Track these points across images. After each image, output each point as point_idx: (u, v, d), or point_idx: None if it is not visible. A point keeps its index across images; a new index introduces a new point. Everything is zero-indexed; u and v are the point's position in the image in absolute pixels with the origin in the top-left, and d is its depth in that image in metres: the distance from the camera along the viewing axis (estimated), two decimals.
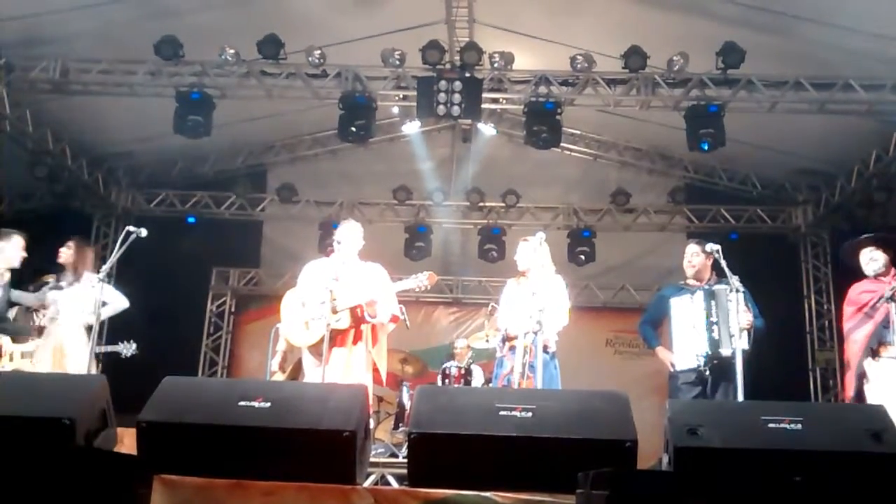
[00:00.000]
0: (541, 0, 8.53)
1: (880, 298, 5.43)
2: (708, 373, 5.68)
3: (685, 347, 5.83)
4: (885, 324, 5.47)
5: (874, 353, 5.51)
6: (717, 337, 5.67)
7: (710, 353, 5.66)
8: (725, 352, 5.53)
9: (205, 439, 3.50)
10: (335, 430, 3.47)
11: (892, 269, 5.65)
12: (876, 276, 5.66)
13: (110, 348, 6.96)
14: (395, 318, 5.85)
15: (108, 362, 7.36)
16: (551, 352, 5.85)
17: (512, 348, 5.82)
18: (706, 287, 5.90)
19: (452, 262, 11.91)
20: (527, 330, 5.53)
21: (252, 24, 8.15)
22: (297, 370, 6.80)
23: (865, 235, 5.93)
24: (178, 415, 3.61)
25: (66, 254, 6.72)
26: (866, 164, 9.55)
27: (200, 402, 3.72)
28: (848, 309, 5.81)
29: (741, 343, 5.42)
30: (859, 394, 5.57)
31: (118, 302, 6.76)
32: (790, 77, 8.24)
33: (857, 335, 5.68)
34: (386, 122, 10.93)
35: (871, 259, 5.69)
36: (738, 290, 5.51)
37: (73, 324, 6.52)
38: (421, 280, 5.72)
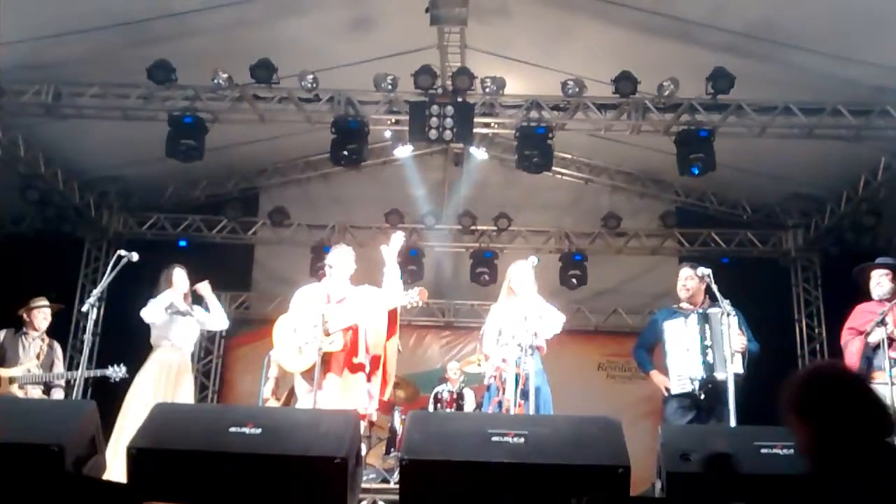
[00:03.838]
0: (532, 26, 8.60)
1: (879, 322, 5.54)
2: (703, 397, 5.68)
3: (679, 371, 5.83)
4: (876, 346, 5.58)
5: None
6: (711, 361, 5.67)
7: (704, 376, 5.66)
8: (720, 375, 5.53)
9: (195, 466, 3.48)
10: (326, 457, 3.45)
11: None
12: (880, 300, 5.80)
13: (99, 372, 6.89)
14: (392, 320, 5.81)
15: (97, 387, 7.30)
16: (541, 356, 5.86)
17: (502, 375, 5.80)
18: (700, 311, 5.91)
19: (444, 286, 11.88)
20: (518, 356, 5.53)
21: (245, 48, 8.18)
22: (290, 397, 6.76)
23: (880, 259, 6.06)
24: (169, 441, 3.59)
25: (183, 277, 6.76)
26: (855, 189, 9.61)
27: (191, 428, 3.70)
28: (846, 327, 5.94)
29: (735, 367, 5.44)
30: None
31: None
32: (779, 102, 8.31)
33: (851, 348, 5.79)
34: (378, 146, 10.98)
35: (878, 284, 5.86)
36: (730, 314, 5.55)
37: (184, 352, 6.70)
38: (412, 296, 5.70)
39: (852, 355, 5.74)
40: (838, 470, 2.34)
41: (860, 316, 5.83)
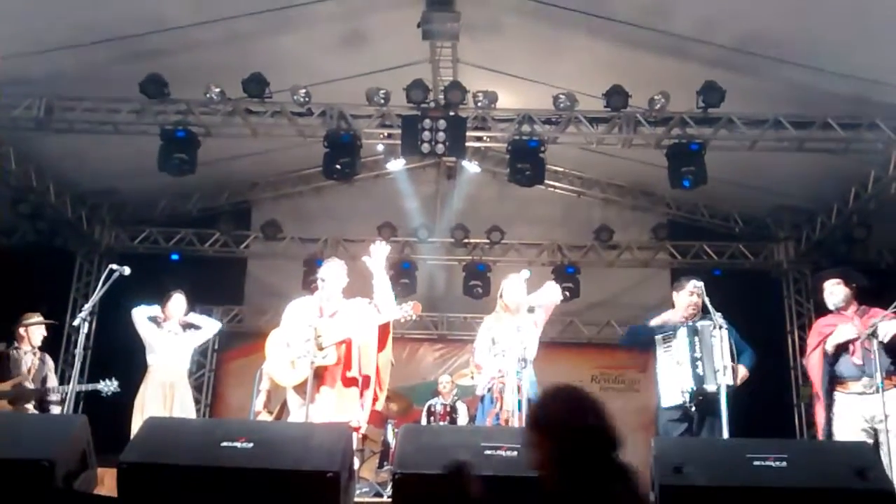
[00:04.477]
0: (524, 41, 8.65)
1: (841, 346, 5.52)
2: (693, 409, 5.67)
3: (670, 384, 5.83)
4: (834, 359, 5.60)
5: (834, 388, 5.60)
6: (701, 373, 5.66)
7: (694, 388, 5.65)
8: (710, 388, 5.52)
9: (187, 481, 3.46)
10: (319, 471, 3.45)
11: (854, 303, 5.74)
12: (837, 310, 5.77)
13: (91, 386, 6.88)
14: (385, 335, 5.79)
15: (88, 401, 7.28)
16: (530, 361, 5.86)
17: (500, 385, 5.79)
18: (689, 324, 5.91)
19: (437, 299, 11.88)
20: (517, 368, 5.52)
21: (237, 63, 8.20)
22: (283, 410, 6.76)
23: (827, 269, 6.05)
24: (160, 456, 3.57)
25: (181, 303, 7.04)
26: (845, 202, 9.66)
27: (182, 442, 3.69)
28: (810, 342, 5.95)
29: (726, 379, 5.44)
30: (828, 426, 5.63)
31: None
32: (769, 116, 8.36)
33: (811, 361, 5.80)
34: (371, 160, 11.00)
35: (831, 293, 5.82)
36: (721, 327, 5.56)
37: (179, 369, 6.91)
38: (406, 310, 5.69)
39: (814, 368, 5.74)
40: (570, 485, 2.52)
41: (821, 329, 5.82)
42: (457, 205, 11.68)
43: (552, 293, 6.08)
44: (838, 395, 5.60)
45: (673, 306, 6.13)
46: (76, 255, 11.41)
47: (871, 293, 5.82)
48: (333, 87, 8.64)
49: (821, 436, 5.72)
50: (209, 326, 7.15)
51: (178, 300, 7.00)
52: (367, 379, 5.68)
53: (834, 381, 5.62)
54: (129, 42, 7.79)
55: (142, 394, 6.69)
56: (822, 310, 6.07)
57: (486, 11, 8.19)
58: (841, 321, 5.68)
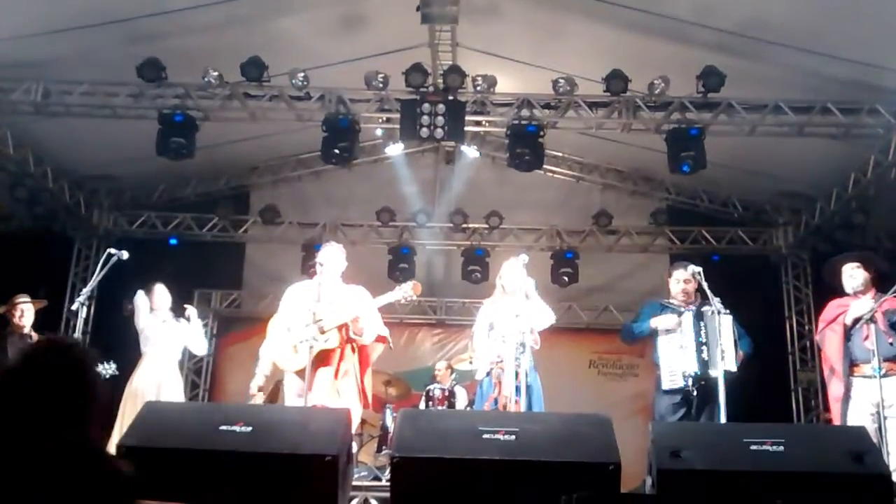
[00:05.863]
0: (523, 24, 8.60)
1: (858, 320, 5.52)
2: (695, 393, 5.69)
3: (672, 367, 5.83)
4: (848, 338, 5.59)
5: (851, 370, 5.59)
6: (706, 358, 5.68)
7: (699, 373, 5.67)
8: (714, 373, 5.54)
9: (185, 464, 3.47)
10: (317, 455, 3.46)
11: (873, 288, 5.73)
12: (854, 294, 5.75)
13: None
14: (381, 338, 5.83)
15: None
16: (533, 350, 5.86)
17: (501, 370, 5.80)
18: (693, 309, 5.91)
19: (436, 284, 11.89)
20: (514, 353, 5.53)
21: (235, 46, 8.16)
22: (276, 392, 6.81)
23: (847, 253, 6.04)
24: (158, 439, 3.58)
25: (164, 293, 7.25)
26: (845, 187, 9.64)
27: (181, 426, 3.70)
28: (820, 325, 5.93)
29: (727, 364, 5.45)
30: (841, 410, 5.62)
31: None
32: (769, 100, 8.33)
33: (830, 342, 5.77)
34: (369, 144, 10.96)
35: (851, 276, 5.81)
36: (721, 312, 5.56)
37: (171, 358, 7.10)
38: (406, 290, 5.71)
39: (833, 349, 5.73)
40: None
41: (835, 309, 5.81)
42: (456, 189, 11.65)
43: (544, 318, 6.05)
44: (853, 378, 5.60)
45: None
46: (74, 240, 11.38)
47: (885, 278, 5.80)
48: (332, 71, 8.61)
49: (837, 413, 5.67)
50: (198, 342, 7.38)
51: (160, 291, 7.19)
52: (365, 358, 5.73)
53: (851, 363, 5.62)
54: (126, 25, 7.74)
55: (135, 381, 6.83)
56: (824, 295, 6.07)
57: None
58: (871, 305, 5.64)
